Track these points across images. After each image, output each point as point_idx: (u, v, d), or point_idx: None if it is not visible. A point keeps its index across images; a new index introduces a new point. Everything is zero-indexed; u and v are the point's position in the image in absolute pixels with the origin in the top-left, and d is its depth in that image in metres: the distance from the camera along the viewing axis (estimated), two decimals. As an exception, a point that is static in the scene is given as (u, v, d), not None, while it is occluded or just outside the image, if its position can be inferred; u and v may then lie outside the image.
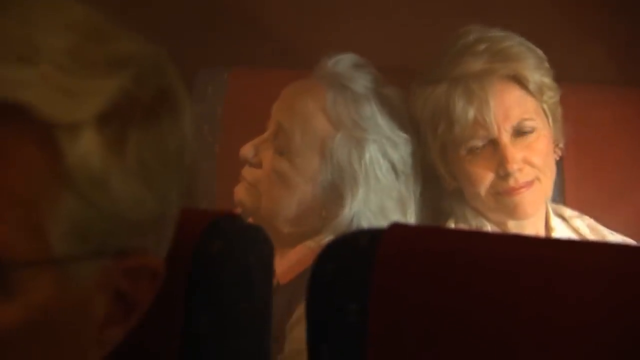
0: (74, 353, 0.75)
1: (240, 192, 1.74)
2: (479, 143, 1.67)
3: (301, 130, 1.68)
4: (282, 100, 1.74)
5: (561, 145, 1.77)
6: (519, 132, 1.68)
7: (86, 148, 0.70)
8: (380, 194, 1.69)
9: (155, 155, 0.74)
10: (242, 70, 2.08)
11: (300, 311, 1.59)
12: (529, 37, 1.73)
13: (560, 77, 1.74)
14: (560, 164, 1.79)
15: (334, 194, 1.68)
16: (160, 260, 0.77)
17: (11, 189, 0.69)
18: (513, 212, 1.70)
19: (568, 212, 1.83)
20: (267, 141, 1.72)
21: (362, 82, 1.72)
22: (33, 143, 0.69)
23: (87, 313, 0.74)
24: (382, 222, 1.47)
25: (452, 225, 1.75)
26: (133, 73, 0.73)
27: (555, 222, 1.79)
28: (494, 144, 1.67)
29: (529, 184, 1.68)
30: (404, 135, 1.71)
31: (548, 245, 0.91)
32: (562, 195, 1.88)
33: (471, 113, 1.66)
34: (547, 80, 1.71)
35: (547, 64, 1.72)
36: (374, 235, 0.87)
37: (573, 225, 1.82)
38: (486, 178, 1.68)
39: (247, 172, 1.74)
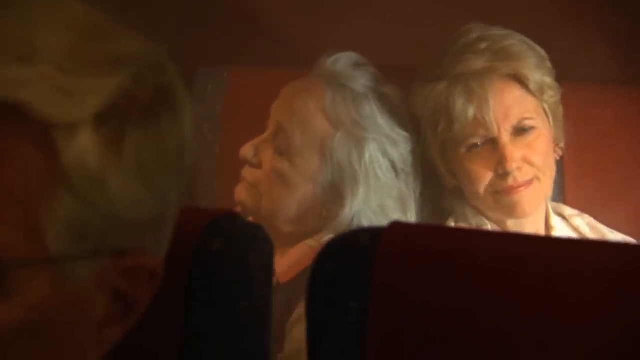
0: (72, 352, 0.75)
1: (241, 193, 1.74)
2: (478, 141, 1.67)
3: (301, 130, 1.68)
4: (281, 100, 1.74)
5: (562, 145, 1.77)
6: (519, 131, 1.68)
7: (83, 147, 0.70)
8: (381, 193, 1.69)
9: (154, 154, 0.74)
10: (242, 68, 2.08)
11: (300, 310, 1.58)
12: (529, 36, 1.73)
13: (561, 76, 1.74)
14: (560, 162, 1.79)
15: (335, 193, 1.68)
16: (159, 260, 0.77)
17: (9, 189, 0.69)
18: (512, 211, 1.70)
19: (568, 210, 1.83)
20: (267, 141, 1.72)
21: (361, 81, 1.72)
22: (31, 143, 0.69)
23: (85, 313, 0.74)
24: (383, 221, 1.48)
25: (452, 223, 1.75)
26: (132, 72, 0.73)
27: (555, 220, 1.79)
28: (493, 142, 1.67)
29: (528, 183, 1.68)
30: (404, 134, 1.71)
31: (548, 243, 0.91)
32: (562, 194, 1.88)
33: (471, 111, 1.66)
34: (548, 80, 1.71)
35: (548, 64, 1.72)
36: (374, 234, 0.87)
37: (573, 224, 1.82)
38: (485, 176, 1.68)
39: (248, 173, 1.74)
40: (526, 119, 1.68)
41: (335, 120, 1.68)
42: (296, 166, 1.68)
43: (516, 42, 1.70)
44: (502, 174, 1.67)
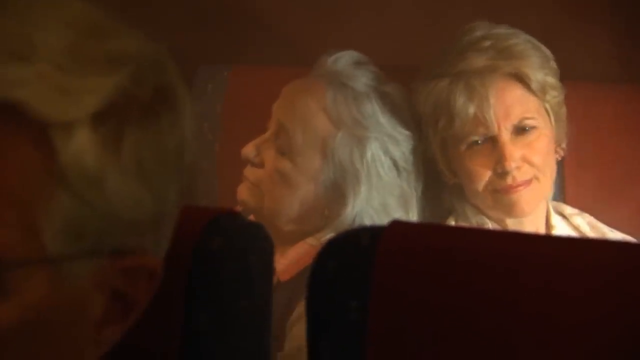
0: (70, 352, 0.74)
1: (243, 192, 1.74)
2: (478, 139, 1.67)
3: (302, 130, 1.68)
4: (282, 100, 1.74)
5: (563, 145, 1.76)
6: (520, 131, 1.67)
7: (80, 146, 0.70)
8: (383, 192, 1.69)
9: (153, 154, 0.74)
10: (242, 67, 2.08)
11: (300, 309, 1.59)
12: (530, 34, 1.72)
13: (561, 74, 1.74)
14: (560, 161, 1.78)
15: (336, 192, 1.68)
16: (159, 260, 0.77)
17: (6, 188, 0.69)
18: (510, 210, 1.70)
19: (568, 209, 1.83)
20: (269, 141, 1.72)
21: (362, 80, 1.72)
22: (29, 142, 0.69)
23: (84, 312, 0.74)
24: (385, 220, 1.47)
25: (452, 222, 1.75)
26: (131, 71, 0.72)
27: (555, 220, 1.78)
28: (493, 140, 1.67)
29: (527, 182, 1.68)
30: (406, 132, 1.71)
31: (548, 242, 0.91)
32: (562, 192, 1.88)
33: (471, 109, 1.66)
34: (551, 80, 1.70)
35: (553, 64, 1.72)
36: (374, 233, 0.87)
37: (573, 223, 1.82)
38: (484, 175, 1.68)
39: (249, 172, 1.74)
40: (527, 118, 1.67)
41: (336, 120, 1.68)
42: (298, 165, 1.69)
43: (520, 41, 1.70)
44: (501, 172, 1.67)
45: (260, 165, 1.72)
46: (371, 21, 2.06)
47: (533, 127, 1.68)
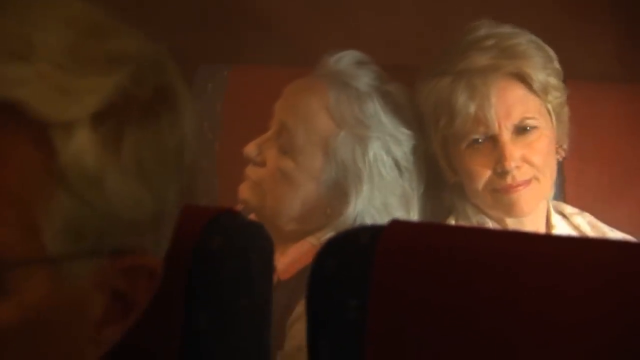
0: (70, 352, 0.75)
1: (245, 191, 1.74)
2: (479, 138, 1.67)
3: (304, 129, 1.69)
4: (284, 99, 1.74)
5: (565, 146, 1.76)
6: (520, 130, 1.67)
7: (80, 146, 0.70)
8: (384, 191, 1.69)
9: (153, 154, 0.74)
10: (242, 67, 2.08)
11: (300, 308, 1.59)
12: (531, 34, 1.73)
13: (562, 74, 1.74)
14: (560, 160, 1.78)
15: (338, 192, 1.68)
16: (158, 260, 0.77)
17: (6, 188, 0.69)
18: (510, 209, 1.70)
19: (568, 209, 1.83)
20: (271, 140, 1.72)
21: (364, 80, 1.72)
22: (28, 142, 0.69)
23: (83, 312, 0.74)
24: (386, 219, 1.47)
25: (452, 221, 1.75)
26: (131, 71, 0.72)
27: (555, 219, 1.78)
28: (494, 140, 1.67)
29: (527, 182, 1.68)
30: (408, 132, 1.72)
31: (548, 242, 0.91)
32: (562, 192, 1.88)
33: (472, 108, 1.66)
34: (554, 80, 1.70)
35: (556, 64, 1.71)
36: (374, 232, 0.88)
37: (574, 223, 1.82)
38: (484, 174, 1.68)
39: (251, 171, 1.74)
40: (528, 118, 1.67)
41: (338, 119, 1.68)
42: (300, 165, 1.69)
43: (523, 41, 1.70)
44: (501, 172, 1.67)
45: (262, 164, 1.72)
46: (371, 21, 2.06)
47: (534, 127, 1.68)
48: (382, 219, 1.66)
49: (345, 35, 1.97)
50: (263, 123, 1.76)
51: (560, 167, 1.79)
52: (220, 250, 0.88)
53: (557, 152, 1.75)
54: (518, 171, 1.67)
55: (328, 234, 1.61)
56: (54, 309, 0.72)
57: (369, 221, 1.66)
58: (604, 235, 1.80)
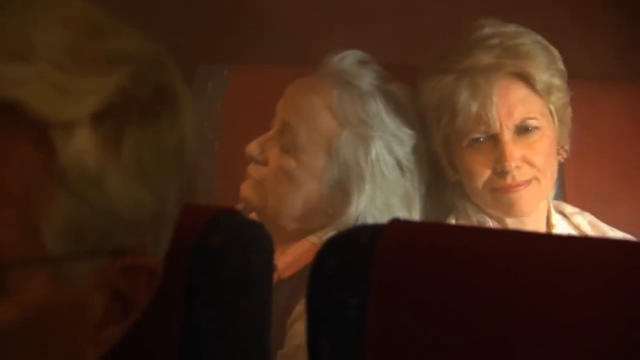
0: (70, 352, 0.75)
1: (247, 190, 1.74)
2: (480, 137, 1.67)
3: (307, 128, 1.69)
4: (287, 98, 1.74)
5: (566, 147, 1.76)
6: (522, 131, 1.67)
7: (80, 146, 0.70)
8: (387, 191, 1.69)
9: (153, 154, 0.74)
10: (242, 66, 2.08)
11: (300, 307, 1.59)
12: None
13: (563, 73, 1.74)
14: (561, 161, 1.78)
15: (340, 191, 1.68)
16: (159, 260, 0.77)
17: (6, 188, 0.69)
18: (509, 209, 1.70)
19: (569, 208, 1.83)
20: (273, 139, 1.72)
21: (367, 79, 1.72)
22: (28, 142, 0.69)
23: (84, 312, 0.74)
24: (388, 219, 1.47)
25: (453, 220, 1.75)
26: (131, 71, 0.72)
27: (556, 218, 1.78)
28: (494, 139, 1.67)
29: (527, 182, 1.68)
30: (410, 132, 1.72)
31: (549, 241, 0.91)
32: (562, 191, 1.88)
33: (474, 107, 1.65)
34: (557, 81, 1.70)
35: (560, 65, 1.71)
36: (374, 231, 0.88)
37: (574, 222, 1.81)
38: (484, 173, 1.68)
39: (253, 170, 1.74)
40: (530, 118, 1.67)
41: (341, 118, 1.68)
42: (302, 164, 1.69)
43: (527, 41, 1.69)
44: (500, 171, 1.67)
45: (264, 163, 1.72)
46: (371, 21, 2.06)
47: (535, 128, 1.68)
48: (384, 219, 1.64)
49: (345, 35, 1.96)
50: (263, 123, 1.76)
51: (561, 167, 1.79)
52: (220, 250, 0.88)
53: (558, 153, 1.74)
54: (518, 171, 1.67)
55: (329, 233, 1.61)
56: (54, 309, 0.72)
57: (370, 221, 1.66)
58: (604, 234, 1.80)
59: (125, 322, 0.76)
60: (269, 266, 0.93)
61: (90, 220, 0.71)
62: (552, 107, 1.70)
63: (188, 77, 1.99)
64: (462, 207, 1.75)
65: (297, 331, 1.57)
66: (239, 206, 1.74)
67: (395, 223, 0.89)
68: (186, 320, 0.87)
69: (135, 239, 0.74)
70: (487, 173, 1.68)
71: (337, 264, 0.87)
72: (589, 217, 1.83)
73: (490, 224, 1.73)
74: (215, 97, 2.05)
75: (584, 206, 1.84)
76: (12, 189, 0.69)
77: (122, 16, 0.76)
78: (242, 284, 0.89)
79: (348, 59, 1.74)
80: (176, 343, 0.87)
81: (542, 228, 1.76)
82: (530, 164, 1.67)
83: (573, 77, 1.77)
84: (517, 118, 1.66)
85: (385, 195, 1.69)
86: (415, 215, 1.72)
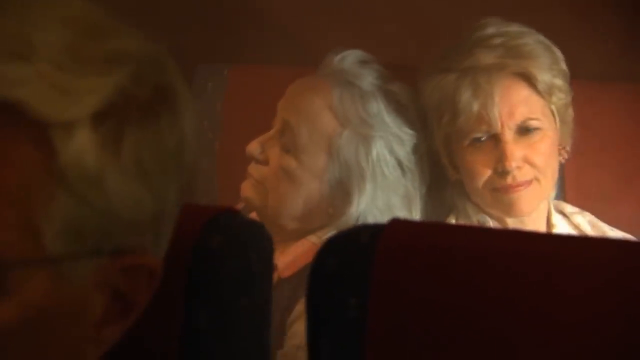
0: (70, 352, 0.75)
1: (247, 189, 1.74)
2: (481, 136, 1.67)
3: (308, 128, 1.69)
4: (287, 98, 1.74)
5: (568, 148, 1.76)
6: (523, 131, 1.67)
7: (80, 146, 0.70)
8: (387, 191, 1.69)
9: (153, 154, 0.74)
10: (242, 66, 2.08)
11: (300, 306, 1.59)
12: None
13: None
14: (562, 162, 1.78)
15: (341, 191, 1.68)
16: (158, 259, 0.77)
17: (6, 188, 0.69)
18: (509, 209, 1.70)
19: (569, 208, 1.83)
20: (273, 138, 1.72)
21: (368, 79, 1.72)
22: (28, 142, 0.69)
23: (84, 312, 0.74)
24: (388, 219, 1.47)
25: (452, 220, 1.75)
26: (131, 71, 0.72)
27: (556, 218, 1.78)
28: (496, 139, 1.67)
29: (527, 183, 1.68)
30: (410, 132, 1.72)
31: (549, 241, 0.91)
32: (562, 191, 1.88)
33: (476, 106, 1.65)
34: (559, 82, 1.70)
35: (563, 65, 1.71)
36: (374, 231, 0.88)
37: (574, 222, 1.81)
38: (484, 172, 1.68)
39: (254, 169, 1.74)
40: (531, 119, 1.67)
41: (342, 118, 1.68)
42: (303, 163, 1.69)
43: (530, 41, 1.69)
44: (501, 171, 1.67)
45: (265, 162, 1.72)
46: (372, 20, 2.06)
47: (537, 128, 1.68)
48: (384, 219, 1.64)
49: (345, 35, 1.96)
50: (263, 122, 1.76)
51: (561, 166, 1.79)
52: (220, 249, 0.88)
53: (559, 154, 1.74)
54: (519, 171, 1.67)
55: (330, 233, 1.61)
56: (54, 309, 0.72)
57: (371, 221, 1.66)
58: (604, 234, 1.80)
59: (125, 322, 0.76)
60: (269, 266, 0.93)
61: (90, 220, 0.71)
62: (553, 107, 1.70)
63: (188, 77, 1.99)
64: (462, 206, 1.75)
65: (297, 331, 1.58)
66: (239, 206, 1.74)
67: (396, 223, 0.89)
68: (186, 320, 0.87)
69: (135, 238, 0.74)
70: (487, 173, 1.68)
71: (337, 263, 0.87)
72: (589, 217, 1.83)
73: (491, 223, 1.73)
74: (215, 97, 2.05)
75: (584, 206, 1.84)
76: (12, 189, 0.69)
77: (122, 16, 0.76)
78: (242, 284, 0.89)
79: (349, 58, 1.74)
80: (176, 343, 0.87)
81: (542, 228, 1.76)
82: (531, 164, 1.67)
83: (573, 76, 1.76)
84: (518, 118, 1.66)
85: (386, 195, 1.69)
86: (416, 215, 1.72)
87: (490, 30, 1.70)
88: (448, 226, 1.32)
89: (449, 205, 1.78)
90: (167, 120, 0.75)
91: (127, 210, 0.72)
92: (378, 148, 1.68)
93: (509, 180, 1.66)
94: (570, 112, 1.74)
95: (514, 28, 1.71)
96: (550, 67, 1.69)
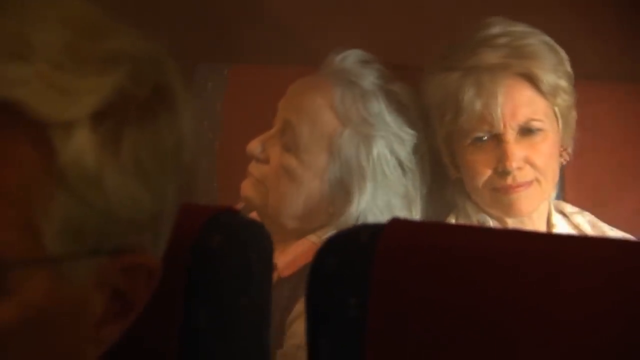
0: (70, 351, 0.75)
1: (247, 188, 1.74)
2: (483, 135, 1.67)
3: (309, 127, 1.69)
4: (289, 97, 1.74)
5: (570, 149, 1.76)
6: (525, 132, 1.67)
7: (80, 146, 0.70)
8: (387, 191, 1.69)
9: (152, 153, 0.74)
10: (242, 66, 2.08)
11: (300, 306, 1.59)
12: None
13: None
14: (563, 164, 1.78)
15: (342, 190, 1.68)
16: (157, 259, 0.77)
17: (6, 188, 0.69)
18: (508, 209, 1.70)
19: (569, 208, 1.83)
20: (274, 137, 1.72)
21: (370, 78, 1.72)
22: (28, 142, 0.69)
23: (84, 312, 0.74)
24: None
25: (452, 220, 1.75)
26: (129, 70, 0.72)
27: (556, 218, 1.78)
28: (497, 139, 1.66)
29: (528, 184, 1.68)
30: (411, 132, 1.72)
31: (549, 240, 0.91)
32: (562, 191, 1.88)
33: (478, 105, 1.65)
34: (563, 83, 1.69)
35: (567, 67, 1.70)
36: (374, 230, 0.88)
37: (574, 222, 1.81)
38: (485, 172, 1.68)
39: (254, 168, 1.73)
40: (534, 120, 1.67)
41: (343, 117, 1.68)
42: (304, 162, 1.69)
43: (535, 41, 1.69)
44: (502, 171, 1.66)
45: (266, 161, 1.72)
46: (373, 20, 2.06)
47: (539, 130, 1.67)
48: (385, 219, 1.65)
49: (345, 35, 1.96)
50: (263, 122, 1.76)
51: (561, 166, 1.79)
52: (220, 249, 0.88)
53: (561, 155, 1.74)
54: (519, 172, 1.66)
55: (329, 233, 1.61)
56: (54, 309, 0.72)
57: (371, 220, 1.66)
58: (604, 234, 1.79)
59: (125, 321, 0.76)
60: (269, 265, 0.93)
61: (90, 220, 0.71)
62: (556, 109, 1.70)
63: (188, 77, 1.99)
64: (462, 205, 1.75)
65: (297, 330, 1.58)
66: (239, 206, 1.74)
67: (395, 222, 0.89)
68: (186, 320, 0.87)
69: (135, 238, 0.74)
70: (488, 172, 1.68)
71: (337, 263, 0.87)
72: (589, 216, 1.83)
73: (491, 223, 1.73)
74: (215, 97, 2.05)
75: (584, 206, 1.84)
76: (12, 189, 0.69)
77: (122, 16, 0.76)
78: (242, 283, 0.89)
79: (350, 58, 1.74)
80: (175, 342, 0.87)
81: (542, 228, 1.76)
82: (532, 165, 1.67)
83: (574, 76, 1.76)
84: (521, 119, 1.66)
85: (386, 194, 1.69)
86: (416, 215, 1.72)
87: (495, 29, 1.70)
88: (448, 226, 1.32)
89: (450, 204, 1.78)
90: (166, 119, 0.75)
91: (126, 210, 0.72)
92: (379, 147, 1.68)
93: (509, 180, 1.66)
94: (574, 114, 1.74)
95: (519, 28, 1.70)
96: (554, 68, 1.69)
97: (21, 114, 0.68)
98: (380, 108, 1.70)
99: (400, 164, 1.71)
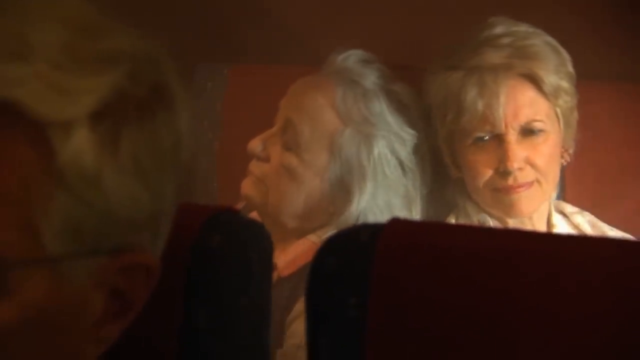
0: (69, 351, 0.75)
1: (248, 187, 1.74)
2: (485, 135, 1.67)
3: (310, 126, 1.69)
4: (290, 96, 1.74)
5: (571, 151, 1.76)
6: (527, 132, 1.67)
7: (78, 146, 0.70)
8: (388, 190, 1.69)
9: (150, 152, 0.74)
10: (242, 66, 2.08)
11: (300, 305, 1.59)
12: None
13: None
14: (564, 165, 1.78)
15: (342, 189, 1.68)
16: (156, 258, 0.77)
17: (6, 188, 0.69)
18: (508, 210, 1.70)
19: (569, 208, 1.83)
20: (275, 136, 1.72)
21: (371, 78, 1.72)
22: (26, 142, 0.69)
23: (83, 311, 0.74)
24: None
25: (452, 220, 1.75)
26: (127, 70, 0.72)
27: (556, 218, 1.78)
28: (499, 139, 1.66)
29: (529, 184, 1.68)
30: (412, 132, 1.72)
31: (549, 240, 0.91)
32: (562, 191, 1.88)
33: (480, 105, 1.65)
34: (565, 84, 1.69)
35: (570, 68, 1.70)
36: (374, 230, 0.88)
37: (574, 222, 1.81)
38: (486, 172, 1.68)
39: (255, 167, 1.73)
40: (536, 120, 1.67)
41: (344, 116, 1.68)
42: (304, 161, 1.69)
43: (538, 42, 1.69)
44: (503, 172, 1.66)
45: (266, 159, 1.72)
46: (374, 20, 2.06)
47: (541, 131, 1.67)
48: (385, 219, 1.65)
49: (346, 35, 1.96)
50: (263, 122, 1.76)
51: (561, 166, 1.79)
52: (219, 249, 0.88)
53: (562, 156, 1.74)
54: (520, 173, 1.66)
55: (330, 232, 1.61)
56: (54, 309, 0.72)
57: (371, 220, 1.66)
58: (604, 234, 1.79)
59: (124, 320, 0.76)
60: (269, 265, 0.93)
61: (89, 220, 0.71)
62: (558, 110, 1.70)
63: (188, 76, 1.99)
64: (462, 205, 1.75)
65: (297, 330, 1.58)
66: (239, 206, 1.74)
67: (395, 222, 0.89)
68: (185, 320, 0.87)
69: (133, 237, 0.75)
70: (489, 173, 1.68)
71: (337, 262, 0.87)
72: (588, 216, 1.83)
73: (491, 223, 1.72)
74: (215, 97, 2.05)
75: (584, 206, 1.84)
76: (11, 189, 0.69)
77: (122, 16, 0.76)
78: (242, 283, 0.89)
79: (352, 57, 1.75)
80: (175, 342, 0.87)
81: (542, 228, 1.76)
82: (533, 166, 1.67)
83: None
84: (522, 119, 1.66)
85: (387, 194, 1.69)
86: (416, 215, 1.72)
87: (499, 29, 1.69)
88: (448, 225, 1.32)
89: (450, 204, 1.78)
90: (164, 118, 0.75)
91: (125, 209, 0.72)
92: (380, 147, 1.68)
93: (510, 181, 1.66)
94: (575, 115, 1.74)
95: (522, 28, 1.70)
96: (557, 69, 1.69)
97: (20, 114, 0.68)
98: (381, 108, 1.70)
99: (401, 163, 1.71)
